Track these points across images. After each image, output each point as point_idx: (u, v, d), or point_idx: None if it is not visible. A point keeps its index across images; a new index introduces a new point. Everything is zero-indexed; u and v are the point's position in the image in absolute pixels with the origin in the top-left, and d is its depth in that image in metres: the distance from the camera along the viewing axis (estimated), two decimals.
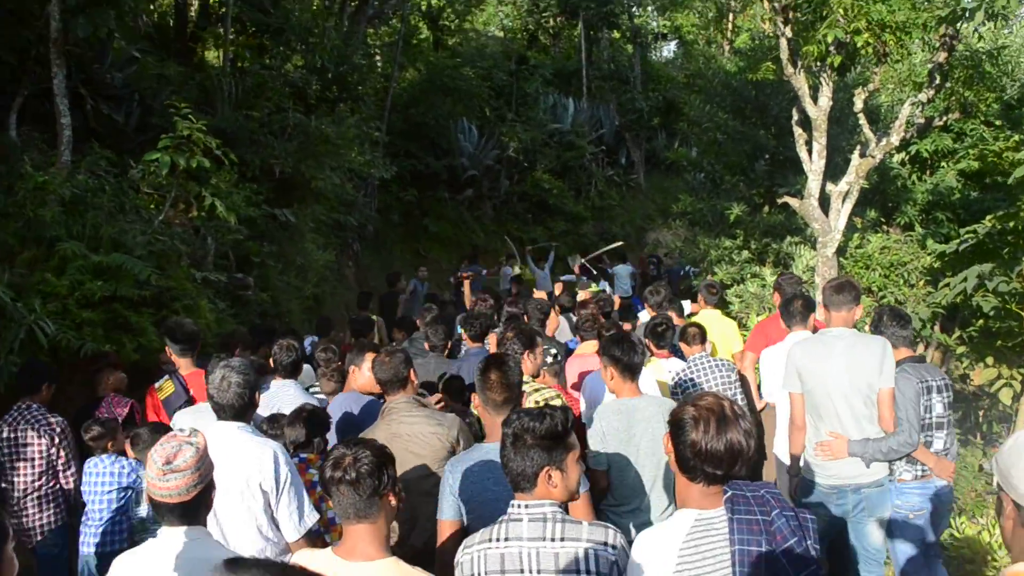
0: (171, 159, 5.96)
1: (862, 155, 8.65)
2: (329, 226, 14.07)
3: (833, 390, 4.39)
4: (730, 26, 28.42)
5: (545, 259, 17.06)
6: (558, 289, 12.07)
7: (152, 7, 12.64)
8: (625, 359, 4.21)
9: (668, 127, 27.00)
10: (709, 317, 7.41)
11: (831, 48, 8.25)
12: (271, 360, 5.40)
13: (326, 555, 2.69)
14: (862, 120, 8.39)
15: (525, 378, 4.46)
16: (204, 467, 2.68)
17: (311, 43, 13.76)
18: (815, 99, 8.68)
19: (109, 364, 5.95)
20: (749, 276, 12.05)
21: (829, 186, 8.88)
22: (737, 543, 2.36)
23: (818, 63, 8.36)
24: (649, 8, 33.06)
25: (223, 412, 3.64)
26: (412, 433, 4.00)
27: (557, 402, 4.61)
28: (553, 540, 2.58)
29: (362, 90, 16.97)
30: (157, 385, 5.29)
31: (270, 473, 3.50)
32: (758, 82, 13.86)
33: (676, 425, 2.51)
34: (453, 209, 21.36)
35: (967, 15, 7.10)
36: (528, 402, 4.45)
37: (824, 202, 9.06)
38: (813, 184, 8.71)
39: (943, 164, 16.07)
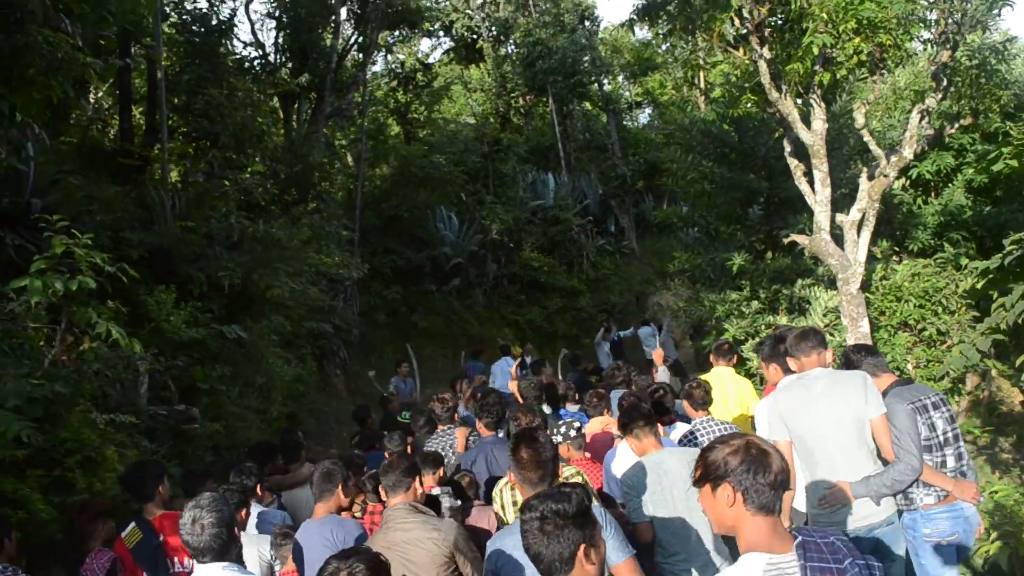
0: (43, 283, 4.90)
1: (870, 177, 7.59)
2: (302, 337, 12.95)
3: (823, 432, 4.34)
4: (702, 83, 27.88)
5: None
6: None
7: (87, 125, 11.75)
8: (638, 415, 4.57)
9: (653, 189, 26.23)
10: (722, 376, 7.10)
11: (816, 66, 7.30)
12: None
13: None
14: (867, 137, 7.36)
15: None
16: None
17: (259, 147, 12.92)
18: (807, 124, 7.68)
19: (101, 512, 5.15)
20: (763, 328, 10.91)
21: (839, 217, 7.81)
22: None
23: (804, 85, 7.40)
24: (619, 77, 32.73)
25: (202, 556, 3.41)
26: (408, 540, 3.93)
27: (578, 479, 4.70)
28: None
29: (325, 188, 16.12)
30: (124, 534, 4.91)
31: None
32: (740, 123, 12.98)
33: (733, 468, 2.44)
34: (442, 301, 20.28)
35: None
36: None
37: (836, 237, 7.97)
38: (821, 217, 7.64)
39: (948, 183, 15.12)
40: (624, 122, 30.73)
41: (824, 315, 10.02)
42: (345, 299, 17.27)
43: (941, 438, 4.42)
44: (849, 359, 4.76)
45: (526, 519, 2.62)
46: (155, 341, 8.36)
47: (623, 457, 5.16)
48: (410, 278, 19.78)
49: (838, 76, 7.31)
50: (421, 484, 4.41)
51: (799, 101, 8.12)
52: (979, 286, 6.79)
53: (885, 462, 4.36)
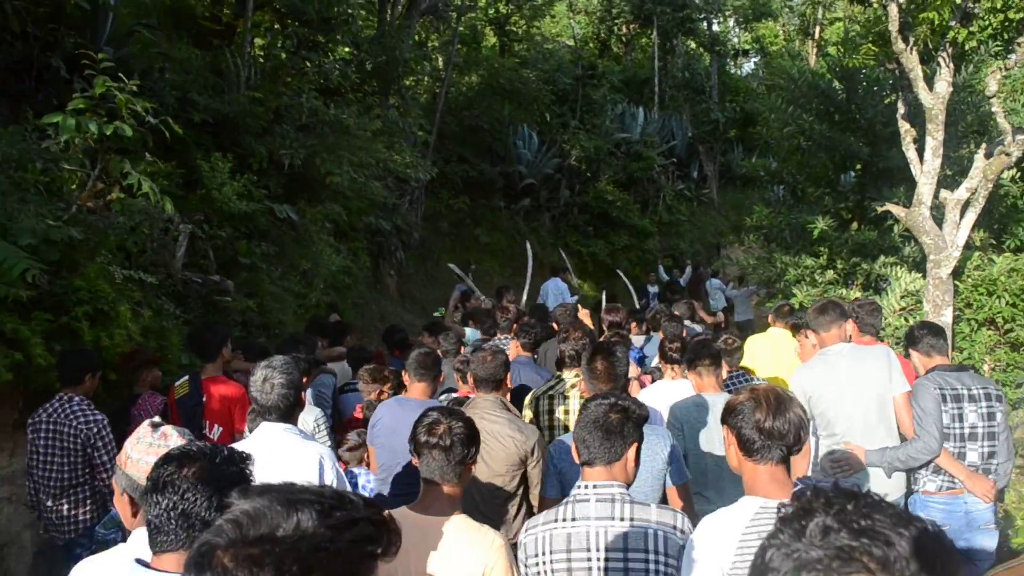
0: (76, 123, 4.58)
1: (988, 154, 6.86)
2: (359, 230, 12.68)
3: (846, 409, 4.35)
4: (816, 38, 26.46)
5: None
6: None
7: None
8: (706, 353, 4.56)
9: (745, 141, 25.14)
10: (777, 338, 6.91)
11: (953, 20, 6.53)
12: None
13: (401, 511, 2.76)
14: (996, 107, 6.61)
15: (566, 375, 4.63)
16: None
17: (346, 32, 12.44)
18: (930, 85, 6.93)
19: (146, 361, 5.61)
20: None
21: (943, 194, 7.11)
22: None
23: (934, 41, 6.65)
24: (730, 20, 31.24)
25: (268, 414, 3.56)
26: (491, 431, 3.92)
27: None
28: (622, 520, 2.61)
29: (409, 85, 15.64)
30: (177, 383, 5.23)
31: (314, 477, 3.40)
32: (850, 80, 12.07)
33: (735, 411, 2.55)
34: (508, 219, 19.86)
35: None
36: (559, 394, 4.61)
37: (935, 218, 7.28)
38: (925, 189, 6.95)
39: None
40: (727, 67, 29.44)
41: (902, 297, 9.35)
42: (411, 201, 16.94)
43: (967, 431, 4.27)
44: (912, 334, 4.66)
45: (592, 406, 2.75)
46: (204, 208, 8.15)
47: (663, 392, 5.03)
48: (479, 191, 19.35)
49: (976, 37, 6.53)
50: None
51: (929, 46, 7.33)
52: None
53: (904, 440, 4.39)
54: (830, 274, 10.87)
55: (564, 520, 2.67)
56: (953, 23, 6.60)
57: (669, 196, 22.88)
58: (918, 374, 4.59)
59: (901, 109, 7.64)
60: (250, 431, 4.07)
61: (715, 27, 28.10)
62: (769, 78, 25.86)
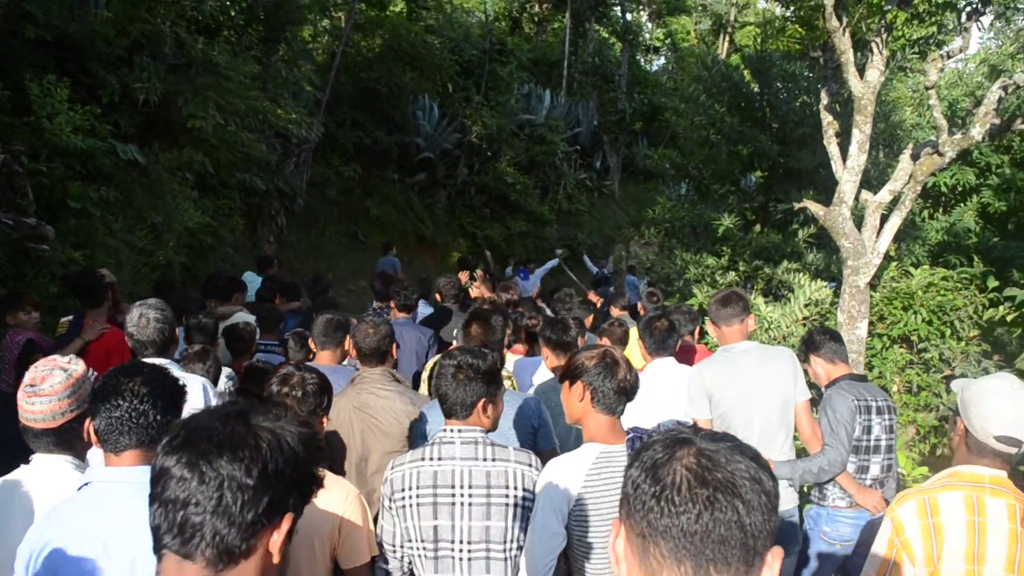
0: None
1: (915, 156, 6.29)
2: (230, 187, 11.41)
3: (750, 410, 4.14)
4: (729, 38, 26.25)
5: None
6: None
7: None
8: (555, 337, 4.69)
9: (651, 136, 24.75)
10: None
11: (892, 3, 5.92)
12: None
13: None
14: (933, 100, 6.02)
15: None
16: (76, 395, 2.58)
17: None
18: (860, 72, 6.31)
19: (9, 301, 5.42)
20: None
21: (864, 196, 6.52)
22: None
23: (874, 18, 6.03)
24: (643, 15, 30.80)
25: (145, 349, 3.71)
26: (383, 407, 3.90)
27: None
28: (485, 460, 2.84)
29: (303, 36, 14.39)
30: (60, 321, 5.39)
31: (200, 404, 3.45)
32: (764, 75, 11.57)
33: (590, 370, 2.85)
34: (401, 192, 18.77)
35: None
36: None
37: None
38: (847, 187, 6.32)
39: (962, 202, 13.96)
40: (637, 60, 29.01)
41: (805, 306, 8.85)
42: (296, 163, 15.69)
43: (872, 443, 4.19)
44: (813, 339, 4.43)
45: (444, 364, 2.93)
46: (29, 138, 6.87)
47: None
48: (373, 160, 18.19)
49: (919, 25, 5.93)
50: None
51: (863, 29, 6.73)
52: (1009, 318, 5.59)
53: (799, 450, 4.32)
54: (731, 275, 10.34)
55: (431, 459, 2.84)
56: (889, 6, 5.99)
57: (570, 185, 22.25)
58: (817, 382, 4.46)
59: (824, 100, 7.02)
60: None
61: (628, 16, 27.53)
62: (679, 72, 25.53)
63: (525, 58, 23.49)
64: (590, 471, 2.71)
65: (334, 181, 17.22)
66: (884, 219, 6.54)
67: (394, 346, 4.24)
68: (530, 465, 2.86)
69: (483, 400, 2.88)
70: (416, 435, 3.78)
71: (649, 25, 31.93)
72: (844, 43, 6.13)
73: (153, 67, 8.39)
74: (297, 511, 1.47)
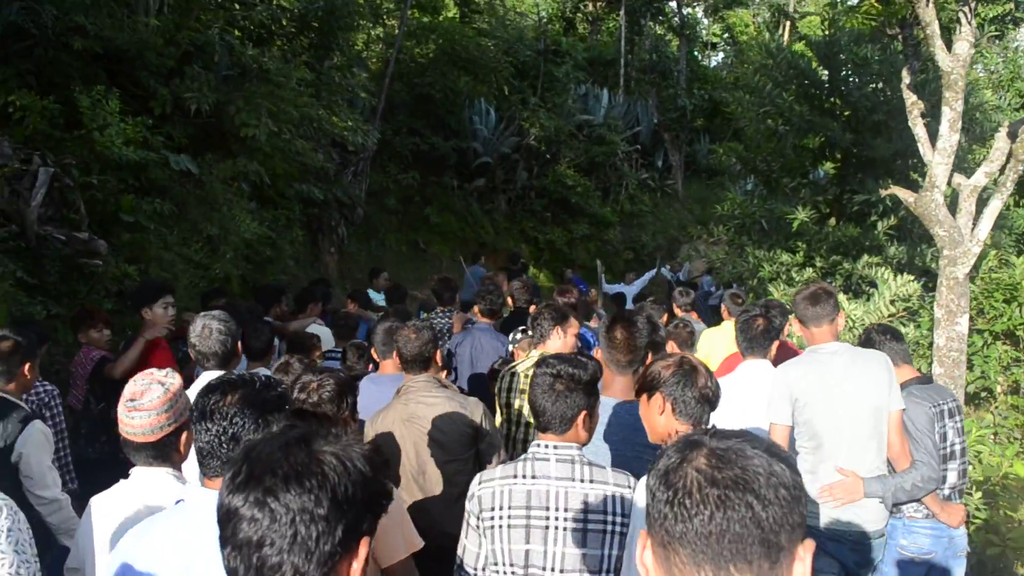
0: None
1: (1012, 134, 5.76)
2: (288, 198, 11.27)
3: (839, 417, 3.83)
4: (790, 27, 25.46)
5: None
6: None
7: None
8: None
9: (712, 132, 24.09)
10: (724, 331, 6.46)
11: None
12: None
13: None
14: None
15: (542, 352, 4.36)
16: (174, 409, 2.62)
17: None
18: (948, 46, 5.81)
19: (87, 317, 5.43)
20: None
21: (956, 179, 6.01)
22: None
23: None
24: (699, 10, 30.13)
25: (207, 360, 3.71)
26: (433, 415, 3.77)
27: None
28: (582, 481, 2.64)
29: (356, 43, 14.22)
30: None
31: None
32: (832, 61, 10.99)
33: (669, 380, 2.66)
34: (461, 199, 18.54)
35: None
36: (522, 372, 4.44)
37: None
38: (939, 170, 5.81)
39: None
40: (695, 55, 28.38)
41: (891, 302, 8.33)
42: (355, 173, 15.58)
43: (949, 450, 4.05)
44: (871, 338, 4.26)
45: (540, 373, 2.72)
46: (80, 151, 6.75)
47: None
48: (431, 167, 18.01)
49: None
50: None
51: None
52: None
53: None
54: (809, 272, 9.80)
55: (524, 476, 2.68)
56: None
57: (632, 185, 21.75)
58: None
59: (906, 78, 6.52)
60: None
61: (685, 11, 26.94)
62: (740, 66, 24.88)
63: (580, 58, 23.08)
64: None
65: (393, 189, 17.08)
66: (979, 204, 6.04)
67: (438, 352, 4.09)
68: (629, 487, 2.66)
69: (583, 413, 2.69)
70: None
71: (706, 21, 31.27)
72: (929, 14, 5.64)
73: (204, 76, 8.25)
74: (372, 533, 1.43)
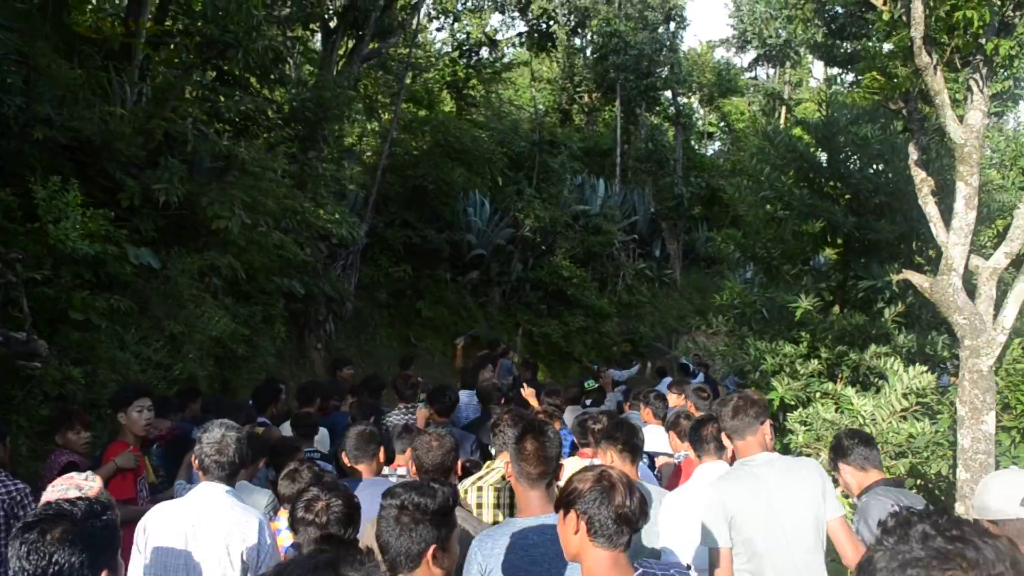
0: None
1: None
2: (270, 293, 10.82)
3: (778, 533, 3.58)
4: (784, 114, 25.57)
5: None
6: None
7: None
8: (624, 439, 4.16)
9: (710, 220, 23.87)
10: None
11: (988, 29, 5.08)
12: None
13: None
14: None
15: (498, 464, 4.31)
16: None
17: (274, 70, 10.77)
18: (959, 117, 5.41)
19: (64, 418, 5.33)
20: (818, 395, 8.71)
21: (974, 262, 5.53)
22: None
23: (968, 48, 5.16)
24: (694, 100, 30.37)
25: (221, 470, 3.55)
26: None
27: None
28: None
29: (349, 135, 14.01)
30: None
31: (253, 542, 3.41)
32: (831, 143, 10.70)
33: (583, 495, 2.45)
34: (454, 292, 18.14)
35: None
36: (489, 486, 4.27)
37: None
38: (956, 251, 5.34)
39: None
40: (691, 144, 28.44)
41: (904, 396, 7.76)
42: (344, 267, 15.20)
43: None
44: (840, 444, 4.23)
45: (385, 505, 2.58)
46: (32, 245, 6.32)
47: None
48: (423, 260, 17.65)
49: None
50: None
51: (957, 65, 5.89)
52: None
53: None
54: (814, 364, 9.23)
55: None
56: (988, 36, 5.14)
57: (629, 275, 21.42)
58: (848, 492, 4.24)
59: (913, 155, 6.11)
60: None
61: (680, 100, 27.09)
62: (736, 152, 24.84)
63: (576, 148, 23.04)
64: None
65: (384, 283, 16.70)
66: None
67: (459, 463, 4.01)
68: None
69: (432, 548, 2.51)
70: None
71: (701, 111, 31.49)
72: (938, 82, 5.25)
73: (177, 168, 7.88)
74: None
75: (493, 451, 4.52)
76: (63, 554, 2.03)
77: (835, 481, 3.96)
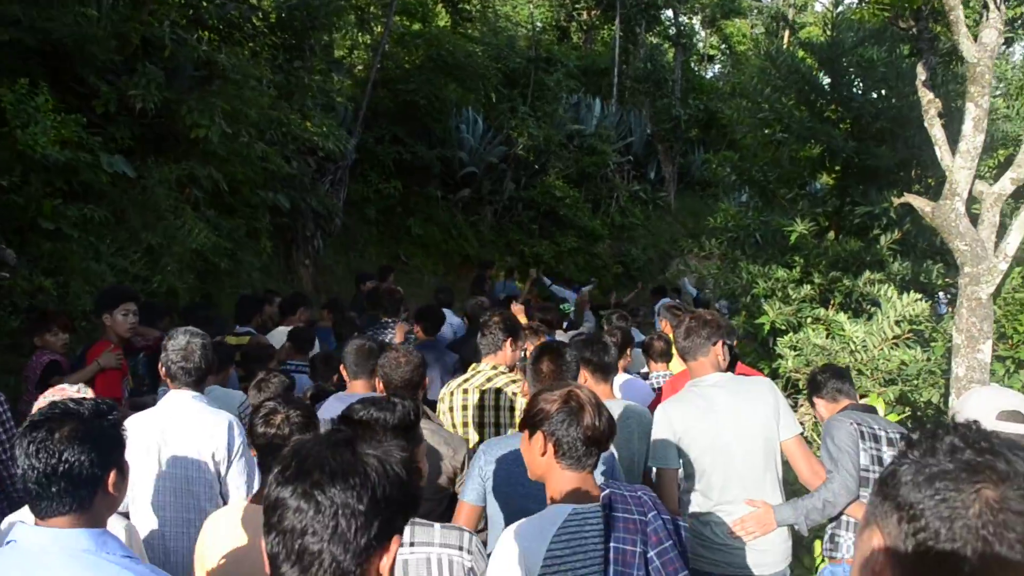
0: None
1: None
2: (255, 207, 10.57)
3: (725, 453, 3.56)
4: (788, 35, 24.95)
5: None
6: None
7: None
8: (596, 359, 4.04)
9: (707, 144, 23.45)
10: None
11: None
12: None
13: (246, 507, 2.73)
14: None
15: (500, 368, 4.34)
16: None
17: None
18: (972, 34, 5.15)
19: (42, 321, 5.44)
20: (810, 321, 8.60)
21: (978, 187, 5.34)
22: (613, 540, 2.32)
23: None
24: (695, 20, 29.58)
25: (188, 376, 3.59)
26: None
27: (514, 387, 4.27)
28: (402, 545, 2.31)
29: (339, 44, 13.56)
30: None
31: (223, 444, 3.46)
32: (834, 65, 10.40)
33: (551, 416, 2.40)
34: (445, 210, 17.89)
35: None
36: (475, 388, 4.29)
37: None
38: (960, 176, 5.14)
39: None
40: (691, 66, 27.81)
41: (896, 323, 7.64)
42: (332, 182, 14.90)
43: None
44: (815, 379, 4.25)
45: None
46: (1, 152, 6.06)
47: None
48: (414, 177, 17.32)
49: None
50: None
51: None
52: None
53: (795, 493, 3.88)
54: (806, 289, 9.10)
55: None
56: None
57: (623, 197, 21.13)
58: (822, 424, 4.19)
59: (922, 75, 5.86)
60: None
61: (681, 20, 26.38)
62: (737, 75, 24.30)
63: (573, 66, 22.42)
64: (556, 536, 2.29)
65: (373, 200, 16.41)
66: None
67: (426, 379, 3.94)
68: (460, 548, 2.43)
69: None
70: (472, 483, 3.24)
71: (702, 32, 30.74)
72: None
73: (153, 73, 7.56)
74: (401, 531, 1.52)
75: (483, 352, 4.49)
76: (72, 452, 2.04)
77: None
